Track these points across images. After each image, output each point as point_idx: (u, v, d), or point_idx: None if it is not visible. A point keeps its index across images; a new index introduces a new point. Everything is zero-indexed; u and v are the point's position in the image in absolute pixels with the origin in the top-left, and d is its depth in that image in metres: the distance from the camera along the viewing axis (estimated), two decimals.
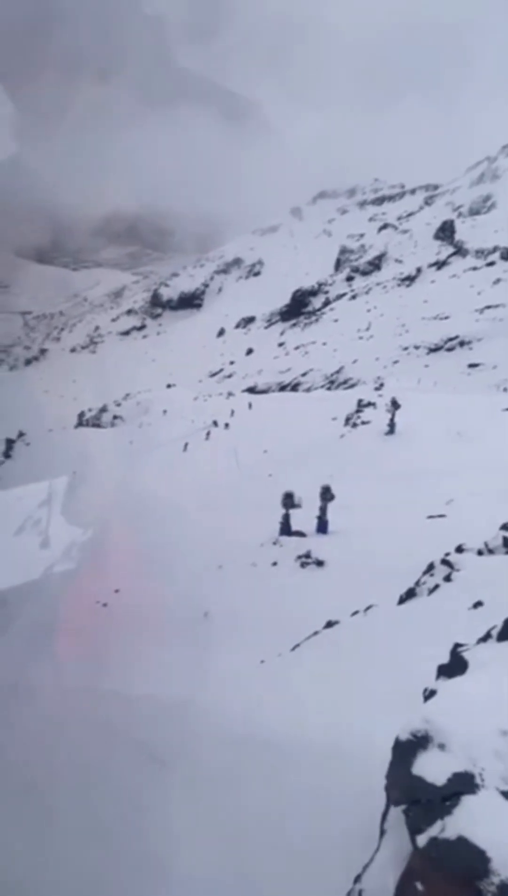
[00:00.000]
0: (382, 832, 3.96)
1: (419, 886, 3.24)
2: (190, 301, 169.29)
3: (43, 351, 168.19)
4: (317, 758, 5.71)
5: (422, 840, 3.23)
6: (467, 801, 3.23)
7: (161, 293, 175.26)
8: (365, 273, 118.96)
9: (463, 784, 3.30)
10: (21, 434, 45.76)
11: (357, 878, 3.89)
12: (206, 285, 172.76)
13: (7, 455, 43.07)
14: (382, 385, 44.99)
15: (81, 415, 55.66)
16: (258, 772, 5.99)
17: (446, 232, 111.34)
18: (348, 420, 33.18)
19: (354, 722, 5.95)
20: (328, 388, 63.73)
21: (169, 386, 66.22)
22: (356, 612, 10.02)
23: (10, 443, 44.54)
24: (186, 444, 34.17)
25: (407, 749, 3.63)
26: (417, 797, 3.44)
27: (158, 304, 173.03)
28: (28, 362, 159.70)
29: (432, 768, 3.44)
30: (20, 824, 6.76)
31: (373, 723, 5.01)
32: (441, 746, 3.51)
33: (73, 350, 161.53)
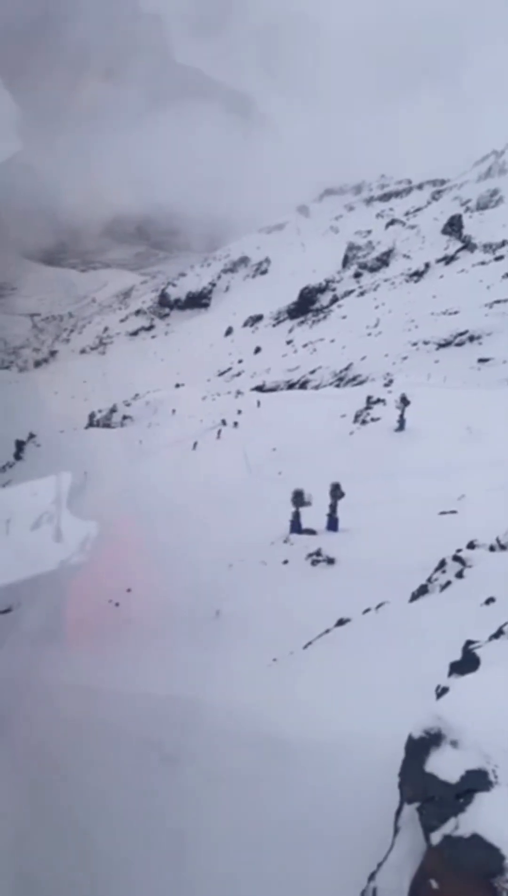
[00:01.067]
0: (396, 830, 3.95)
1: (434, 884, 3.23)
2: (198, 300, 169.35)
3: (52, 352, 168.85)
4: (329, 756, 5.70)
5: (436, 838, 3.23)
6: (481, 798, 3.22)
7: (169, 293, 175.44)
8: (373, 269, 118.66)
9: (477, 781, 3.29)
10: (32, 435, 45.95)
11: (372, 876, 3.88)
12: (213, 284, 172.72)
13: (18, 456, 43.26)
14: (391, 381, 44.82)
15: (92, 415, 55.78)
16: (270, 770, 5.99)
17: (454, 227, 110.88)
18: (357, 417, 33.09)
19: (366, 720, 5.94)
20: (337, 386, 63.55)
21: (178, 385, 66.33)
22: (367, 610, 10.00)
23: (20, 444, 44.74)
24: (195, 443, 34.22)
25: (420, 747, 3.62)
26: (430, 795, 3.43)
27: (166, 304, 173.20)
28: (37, 364, 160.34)
29: (445, 766, 3.43)
30: (32, 820, 6.79)
31: (386, 721, 5.00)
32: (454, 744, 3.49)
33: (82, 351, 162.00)
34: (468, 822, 3.15)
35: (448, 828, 3.21)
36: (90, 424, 53.63)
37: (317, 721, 6.32)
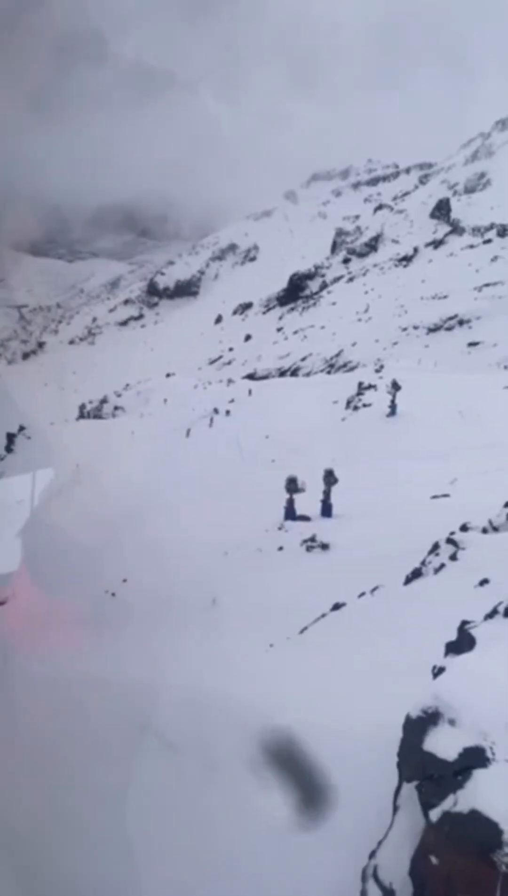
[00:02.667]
0: (395, 808, 4.00)
1: (434, 860, 3.28)
2: (186, 289, 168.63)
3: (41, 344, 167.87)
4: (328, 739, 5.75)
5: (435, 815, 3.27)
6: (478, 774, 3.26)
7: (157, 282, 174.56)
8: (362, 255, 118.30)
9: (474, 758, 3.33)
10: (22, 428, 45.63)
11: (372, 854, 3.93)
12: (202, 272, 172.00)
13: (9, 449, 43.00)
14: (382, 367, 44.82)
15: (82, 407, 55.55)
16: (270, 755, 6.03)
17: (442, 210, 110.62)
18: (349, 403, 33.14)
19: (364, 702, 5.99)
20: (328, 372, 63.56)
21: (169, 375, 66.06)
22: (362, 594, 10.05)
23: (10, 437, 44.43)
24: (188, 431, 34.18)
25: (418, 726, 3.66)
26: (429, 773, 3.48)
27: (154, 293, 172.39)
28: (26, 356, 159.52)
29: (443, 744, 3.47)
30: (31, 809, 6.84)
31: (383, 702, 5.04)
32: (452, 722, 3.53)
33: (71, 342, 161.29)
34: (466, 799, 3.19)
35: (446, 805, 3.25)
36: (81, 416, 53.41)
37: (314, 704, 6.37)
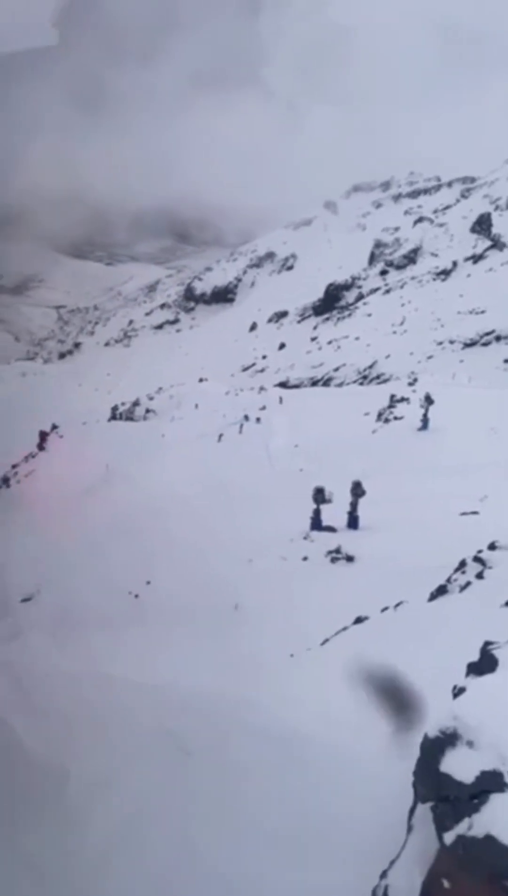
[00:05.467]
0: (409, 829, 3.94)
1: (446, 884, 3.23)
2: (223, 295, 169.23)
3: (77, 344, 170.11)
4: (344, 753, 5.70)
5: (449, 838, 3.22)
6: (495, 799, 3.21)
7: (194, 287, 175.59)
8: (400, 267, 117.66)
9: (492, 782, 3.27)
10: (54, 426, 46.26)
11: (384, 874, 3.88)
12: (239, 279, 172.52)
13: (41, 447, 43.62)
14: (416, 380, 44.48)
15: (114, 408, 56.05)
16: (285, 765, 6.00)
17: (483, 225, 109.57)
18: (380, 415, 32.94)
19: (382, 718, 5.93)
20: (361, 383, 63.30)
21: (201, 380, 66.33)
22: (385, 609, 9.96)
23: (43, 435, 45.06)
24: (220, 436, 34.29)
25: (436, 746, 3.61)
26: (445, 794, 3.43)
27: (191, 298, 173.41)
28: (62, 356, 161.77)
29: (460, 766, 3.42)
30: (50, 806, 6.89)
31: None
32: (470, 744, 3.48)
33: (106, 344, 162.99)
34: (482, 823, 3.13)
35: (461, 828, 3.20)
36: (113, 417, 53.91)
37: (332, 717, 6.32)
